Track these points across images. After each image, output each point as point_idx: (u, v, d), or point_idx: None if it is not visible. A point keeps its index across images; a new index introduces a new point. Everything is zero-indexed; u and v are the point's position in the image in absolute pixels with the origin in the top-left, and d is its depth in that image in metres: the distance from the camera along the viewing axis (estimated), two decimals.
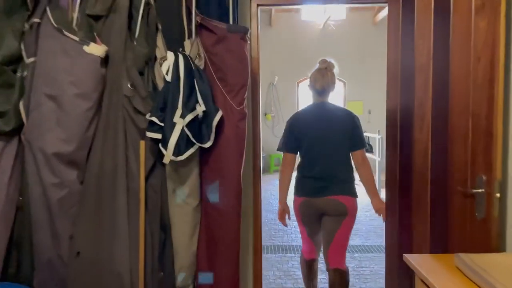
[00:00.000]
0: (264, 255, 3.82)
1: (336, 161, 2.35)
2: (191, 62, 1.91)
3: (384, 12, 8.71)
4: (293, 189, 2.48)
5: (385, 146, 2.52)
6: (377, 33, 9.45)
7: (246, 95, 2.01)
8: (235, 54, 1.95)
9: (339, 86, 10.31)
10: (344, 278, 2.36)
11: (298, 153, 2.46)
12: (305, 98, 10.96)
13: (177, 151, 1.82)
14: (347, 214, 2.33)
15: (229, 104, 1.97)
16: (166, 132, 1.83)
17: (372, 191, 2.41)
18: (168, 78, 1.85)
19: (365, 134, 7.51)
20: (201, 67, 1.98)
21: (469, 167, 1.57)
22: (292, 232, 4.77)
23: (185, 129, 1.83)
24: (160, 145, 1.86)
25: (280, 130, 10.29)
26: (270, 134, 9.76)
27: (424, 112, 2.00)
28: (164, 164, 1.97)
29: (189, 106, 1.85)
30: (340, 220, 2.33)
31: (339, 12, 9.25)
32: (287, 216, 2.57)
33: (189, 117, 1.85)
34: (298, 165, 2.49)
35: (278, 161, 9.63)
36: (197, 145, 1.89)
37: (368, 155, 3.25)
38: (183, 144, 1.84)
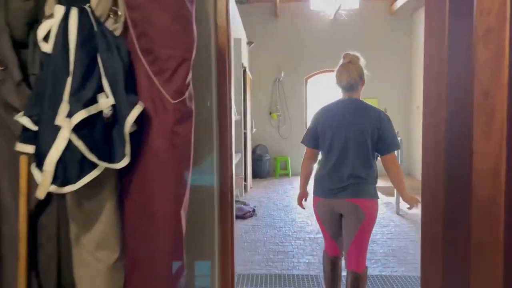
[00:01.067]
0: None
1: (356, 162, 2.24)
2: (93, 22, 1.14)
3: (402, 0, 7.81)
4: (313, 188, 2.41)
5: (422, 160, 1.71)
6: (394, 24, 8.56)
7: (189, 79, 1.22)
8: (169, 8, 1.15)
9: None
10: (358, 282, 2.31)
11: (320, 151, 2.41)
12: (314, 95, 10.12)
13: (63, 177, 1.05)
14: (364, 218, 2.23)
15: (158, 93, 1.16)
16: (41, 142, 1.06)
17: (401, 190, 2.33)
18: (48, 48, 1.08)
19: None
20: (117, 32, 1.19)
21: None
22: (295, 256, 3.96)
23: (74, 137, 1.06)
24: (33, 165, 1.09)
25: (287, 130, 9.56)
26: (276, 134, 8.94)
27: (492, 109, 1.18)
28: (64, 195, 1.19)
29: (83, 97, 1.06)
30: (358, 224, 2.25)
31: (352, 0, 8.38)
32: (304, 199, 2.61)
33: (81, 116, 1.06)
34: (318, 163, 2.43)
35: (284, 164, 8.79)
36: (102, 165, 1.12)
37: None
38: (73, 163, 1.06)
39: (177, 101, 1.16)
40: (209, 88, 1.63)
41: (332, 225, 2.36)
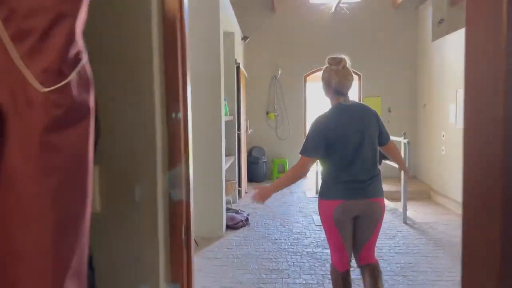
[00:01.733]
0: None
1: (371, 162, 2.35)
2: None
3: None
4: (321, 193, 2.39)
5: (464, 176, 1.22)
6: (398, 18, 8.07)
7: (76, 50, 0.73)
8: None
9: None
10: (378, 269, 2.40)
11: (326, 158, 2.36)
12: (314, 95, 9.63)
13: None
14: (380, 215, 2.38)
15: (17, 74, 0.67)
16: None
17: (403, 161, 2.93)
18: None
19: None
20: None
21: None
22: (290, 275, 3.48)
23: None
24: None
25: (285, 131, 9.04)
26: (273, 136, 8.45)
27: None
28: None
29: None
30: (376, 222, 2.37)
31: None
32: (266, 199, 2.43)
33: None
34: (326, 170, 2.39)
35: (282, 167, 8.30)
36: None
37: (389, 163, 3.73)
38: None
39: (50, 88, 0.68)
40: (149, 77, 1.12)
41: (348, 229, 2.34)
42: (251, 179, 7.89)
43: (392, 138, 5.86)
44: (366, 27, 8.17)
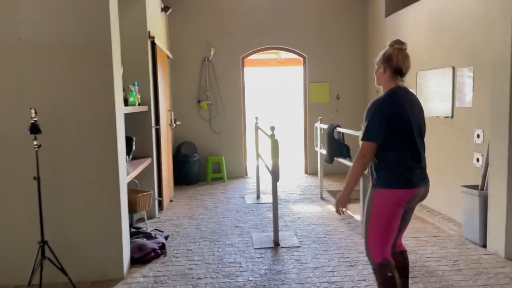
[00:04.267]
0: None
1: (424, 147, 2.35)
2: None
3: None
4: (392, 182, 2.24)
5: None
6: None
7: None
8: None
9: (299, 63, 7.83)
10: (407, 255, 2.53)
11: (393, 144, 2.23)
12: (252, 80, 8.46)
13: None
14: None
15: None
16: None
17: None
18: None
19: (338, 129, 5.08)
20: None
21: None
22: None
23: None
24: None
25: (220, 123, 7.46)
26: (207, 129, 7.14)
27: None
28: None
29: None
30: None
31: None
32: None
33: None
34: (392, 157, 2.25)
35: (218, 166, 7.02)
36: None
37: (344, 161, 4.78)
38: None
39: None
40: None
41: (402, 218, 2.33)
42: (180, 181, 6.55)
43: (344, 131, 4.89)
44: (311, 3, 7.07)
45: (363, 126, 2.28)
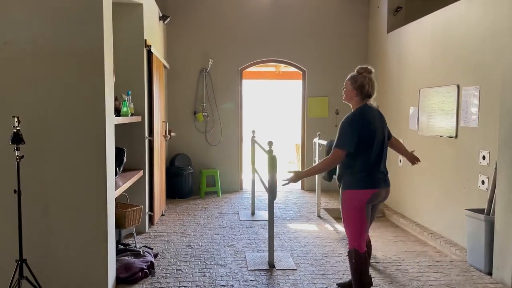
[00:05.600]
0: None
1: (386, 155, 2.82)
2: None
3: None
4: (355, 184, 2.71)
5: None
6: (347, 6, 6.98)
7: None
8: None
9: (298, 77, 7.69)
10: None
11: (360, 151, 2.68)
12: (251, 91, 8.30)
13: None
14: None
15: None
16: None
17: (408, 153, 3.19)
18: None
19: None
20: None
21: None
22: None
23: None
24: None
25: (216, 136, 6.99)
26: (202, 141, 6.96)
27: None
28: None
29: None
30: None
31: None
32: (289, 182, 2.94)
33: None
34: (359, 163, 2.70)
35: (212, 179, 6.82)
36: None
37: None
38: None
39: None
40: None
41: (370, 213, 2.80)
42: (172, 195, 6.35)
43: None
44: (311, 16, 6.99)
45: (336, 135, 2.72)
